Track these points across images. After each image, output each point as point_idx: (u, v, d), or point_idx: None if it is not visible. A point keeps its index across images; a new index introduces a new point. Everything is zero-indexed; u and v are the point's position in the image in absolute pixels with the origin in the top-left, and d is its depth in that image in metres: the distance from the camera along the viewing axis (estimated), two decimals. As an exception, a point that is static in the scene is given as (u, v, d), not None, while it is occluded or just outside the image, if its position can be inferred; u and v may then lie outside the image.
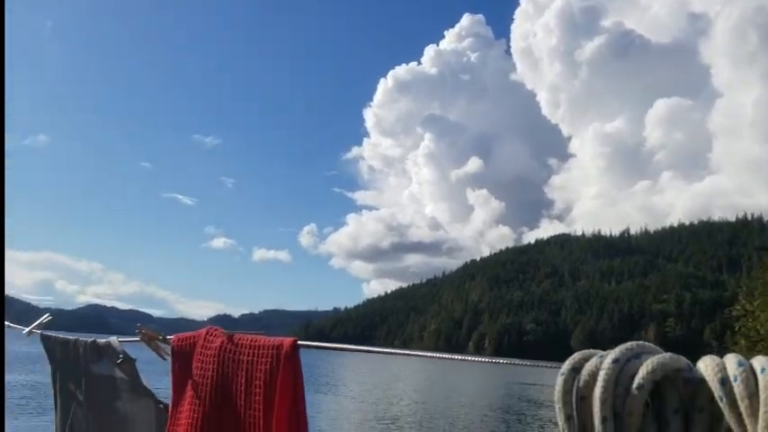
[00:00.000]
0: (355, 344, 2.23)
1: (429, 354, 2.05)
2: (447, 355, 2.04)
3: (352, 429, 22.52)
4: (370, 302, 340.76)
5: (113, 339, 2.45)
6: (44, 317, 2.79)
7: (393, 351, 2.16)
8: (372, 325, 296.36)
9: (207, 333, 2.07)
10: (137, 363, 2.41)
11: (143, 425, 2.37)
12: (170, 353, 2.18)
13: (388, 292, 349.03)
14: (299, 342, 1.86)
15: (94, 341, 2.52)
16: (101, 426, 2.51)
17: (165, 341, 2.21)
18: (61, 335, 2.70)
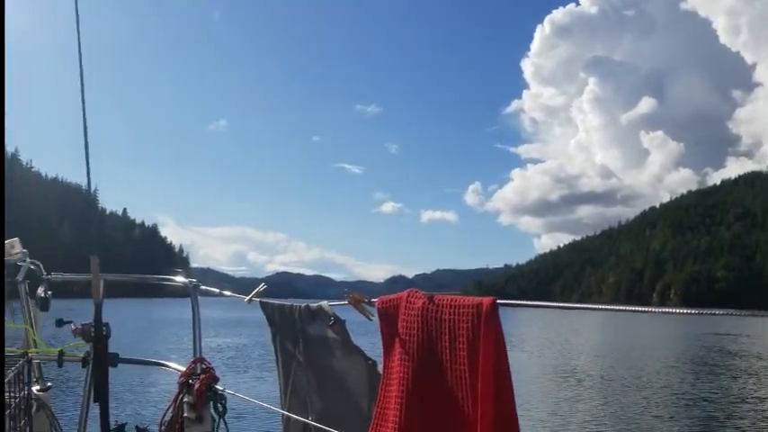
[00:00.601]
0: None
1: (632, 308, 2.05)
2: (646, 309, 2.03)
3: (529, 383, 22.52)
4: (542, 257, 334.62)
5: (324, 303, 2.72)
6: (260, 286, 3.14)
7: (589, 306, 2.18)
8: (546, 280, 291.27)
9: (408, 295, 2.23)
10: (346, 324, 2.66)
11: (355, 380, 2.62)
12: (375, 314, 2.38)
13: (561, 246, 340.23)
14: (498, 301, 1.95)
15: (308, 306, 2.81)
16: (319, 381, 2.81)
17: (370, 303, 2.41)
18: (277, 301, 3.03)
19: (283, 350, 3.02)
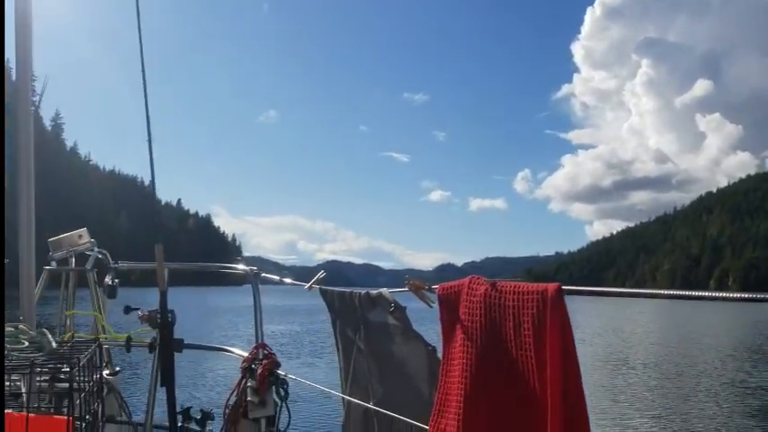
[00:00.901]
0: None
1: (692, 293, 2.01)
2: (706, 294, 1.97)
3: (582, 370, 22.25)
4: (594, 245, 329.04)
5: (384, 290, 2.74)
6: (319, 273, 3.18)
7: (650, 292, 2.14)
8: (599, 267, 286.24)
9: (470, 281, 2.23)
10: (406, 310, 2.68)
11: (415, 366, 2.64)
12: (435, 301, 2.38)
13: (614, 232, 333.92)
14: (564, 287, 1.94)
15: (368, 293, 2.84)
16: (380, 368, 2.84)
17: (430, 290, 2.42)
18: (337, 289, 3.07)
19: (344, 337, 3.06)
